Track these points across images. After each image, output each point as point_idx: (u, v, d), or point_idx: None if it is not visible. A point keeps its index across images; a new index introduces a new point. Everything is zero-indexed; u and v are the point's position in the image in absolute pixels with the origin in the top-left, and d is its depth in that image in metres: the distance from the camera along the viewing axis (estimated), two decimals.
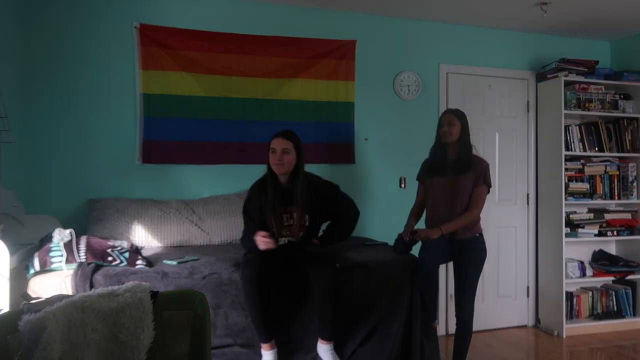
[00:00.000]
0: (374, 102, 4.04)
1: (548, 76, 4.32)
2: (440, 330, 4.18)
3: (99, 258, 2.55)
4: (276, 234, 2.67)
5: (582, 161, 4.29)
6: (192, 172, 3.61)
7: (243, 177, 3.57)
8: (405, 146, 4.13)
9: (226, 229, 3.37)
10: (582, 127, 4.32)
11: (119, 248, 2.72)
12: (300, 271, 2.61)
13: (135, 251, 2.90)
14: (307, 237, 2.73)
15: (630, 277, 4.35)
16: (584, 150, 4.28)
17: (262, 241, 2.54)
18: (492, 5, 3.84)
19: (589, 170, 4.29)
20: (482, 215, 2.92)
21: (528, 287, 4.47)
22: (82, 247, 2.58)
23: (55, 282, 2.42)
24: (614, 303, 4.38)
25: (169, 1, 3.56)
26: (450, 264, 3.03)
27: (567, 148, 4.21)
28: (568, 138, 4.22)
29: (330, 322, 2.59)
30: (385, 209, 4.03)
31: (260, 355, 2.51)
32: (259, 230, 2.58)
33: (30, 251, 2.56)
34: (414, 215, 3.16)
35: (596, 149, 4.33)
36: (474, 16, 4.09)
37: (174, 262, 2.64)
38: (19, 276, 2.40)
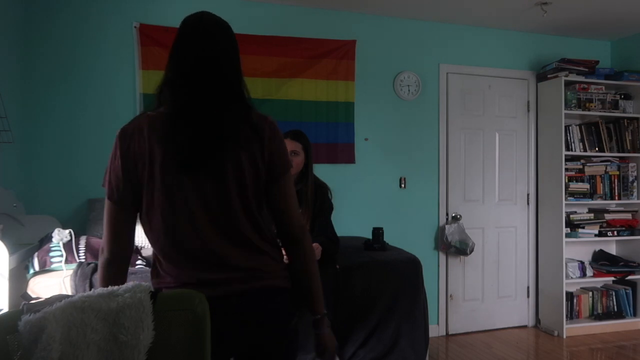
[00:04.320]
0: (374, 102, 4.04)
1: (548, 76, 4.32)
2: (440, 331, 4.19)
3: (98, 258, 2.55)
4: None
5: (582, 161, 4.29)
6: None
7: None
8: (405, 146, 4.13)
9: None
10: (583, 127, 4.32)
11: None
12: None
13: (135, 251, 2.90)
14: None
15: (630, 277, 4.35)
16: (584, 150, 4.28)
17: None
18: (492, 5, 3.83)
19: (589, 170, 4.29)
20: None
21: (528, 287, 4.47)
22: (82, 247, 2.58)
23: (54, 282, 2.42)
24: (614, 303, 4.38)
25: (169, 1, 3.56)
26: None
27: (567, 148, 4.20)
28: (568, 138, 4.22)
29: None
30: (385, 209, 4.03)
31: None
32: None
33: (29, 251, 2.56)
34: None
35: (596, 149, 4.32)
36: (474, 16, 4.09)
37: None
38: (19, 276, 2.40)
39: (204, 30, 1.36)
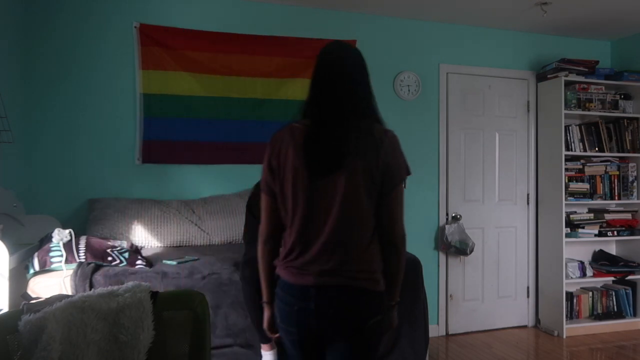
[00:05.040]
0: None
1: (548, 76, 4.32)
2: (440, 331, 4.19)
3: (98, 258, 2.55)
4: None
5: (582, 161, 4.29)
6: (192, 172, 3.61)
7: (243, 177, 3.58)
8: (405, 146, 4.09)
9: (226, 229, 3.37)
10: (582, 127, 4.32)
11: (118, 248, 2.72)
12: None
13: (135, 251, 2.90)
14: None
15: (630, 277, 4.35)
16: (584, 150, 4.28)
17: None
18: (492, 5, 3.83)
19: (589, 170, 4.29)
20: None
21: (528, 287, 4.47)
22: (82, 247, 2.58)
23: (55, 282, 2.42)
24: (614, 303, 4.38)
25: (169, 1, 3.56)
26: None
27: (567, 148, 4.20)
28: (568, 138, 4.22)
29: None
30: None
31: (260, 356, 2.51)
32: None
33: (29, 251, 2.56)
34: None
35: (596, 149, 4.32)
36: (474, 16, 4.09)
37: (174, 262, 2.63)
38: (19, 276, 2.40)
39: (338, 59, 1.62)
